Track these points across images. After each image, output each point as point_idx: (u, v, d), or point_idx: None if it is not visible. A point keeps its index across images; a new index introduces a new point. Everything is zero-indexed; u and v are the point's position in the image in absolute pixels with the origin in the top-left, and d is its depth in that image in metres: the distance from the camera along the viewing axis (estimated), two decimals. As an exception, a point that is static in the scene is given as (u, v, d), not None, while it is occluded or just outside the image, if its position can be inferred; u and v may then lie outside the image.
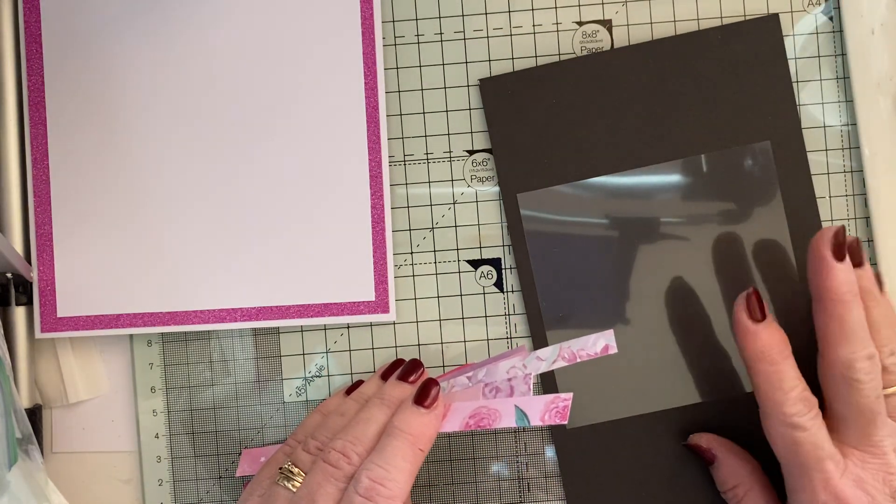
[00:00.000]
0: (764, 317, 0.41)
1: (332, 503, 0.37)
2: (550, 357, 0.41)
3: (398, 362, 0.45)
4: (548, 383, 0.46)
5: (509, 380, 0.42)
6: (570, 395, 0.39)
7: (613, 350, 0.40)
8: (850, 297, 0.39)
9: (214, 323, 0.46)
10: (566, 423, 0.39)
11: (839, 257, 0.40)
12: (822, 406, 0.40)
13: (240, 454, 0.47)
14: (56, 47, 0.46)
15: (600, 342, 0.41)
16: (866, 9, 0.46)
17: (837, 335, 0.39)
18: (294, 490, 0.38)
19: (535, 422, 0.39)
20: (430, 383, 0.40)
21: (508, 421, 0.39)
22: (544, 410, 0.39)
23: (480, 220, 0.47)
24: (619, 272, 0.46)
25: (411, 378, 0.42)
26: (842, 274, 0.40)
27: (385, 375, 0.44)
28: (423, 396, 0.39)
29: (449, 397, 0.42)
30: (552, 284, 0.46)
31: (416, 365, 0.43)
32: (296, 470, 0.39)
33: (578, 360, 0.41)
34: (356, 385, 0.45)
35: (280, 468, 0.40)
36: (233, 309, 0.46)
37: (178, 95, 0.46)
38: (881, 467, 0.39)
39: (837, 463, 0.39)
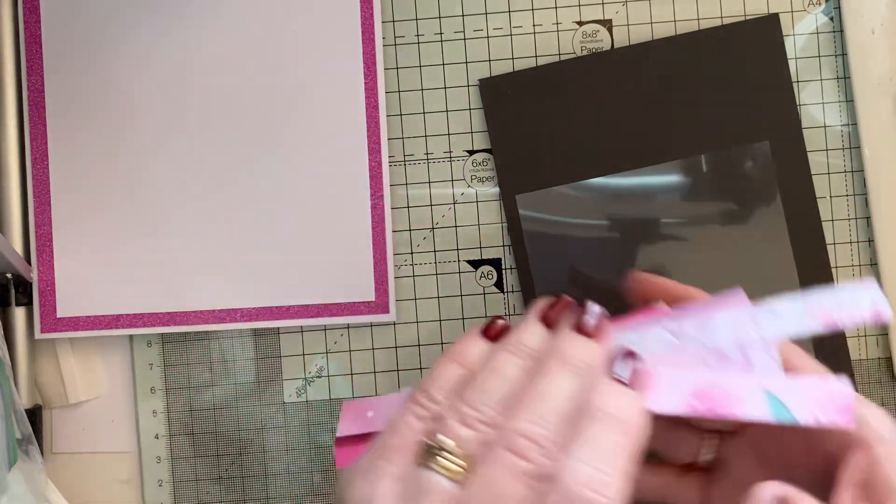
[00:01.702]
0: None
1: None
2: (795, 315, 0.30)
3: (555, 300, 0.32)
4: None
5: (741, 347, 0.30)
6: (849, 386, 0.29)
7: (887, 316, 0.29)
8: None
9: (214, 323, 0.46)
10: (853, 426, 0.29)
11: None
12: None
13: (240, 455, 0.47)
14: (56, 47, 0.46)
15: (864, 299, 0.28)
16: (866, 9, 0.46)
17: None
18: (460, 481, 0.27)
19: (805, 419, 0.28)
20: (629, 350, 0.30)
21: (757, 411, 0.28)
22: (816, 405, 0.28)
23: (480, 220, 0.47)
24: (619, 273, 0.46)
25: (592, 328, 0.31)
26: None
27: (549, 316, 0.32)
28: (629, 370, 0.30)
29: (651, 360, 0.30)
30: (552, 285, 0.46)
31: (591, 309, 0.32)
32: (457, 451, 0.28)
33: (840, 326, 0.29)
34: (492, 323, 0.33)
35: (428, 445, 0.28)
36: (233, 309, 0.46)
37: (177, 96, 0.46)
38: None
39: None
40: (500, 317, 0.32)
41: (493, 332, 0.32)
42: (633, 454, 0.28)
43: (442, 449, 0.28)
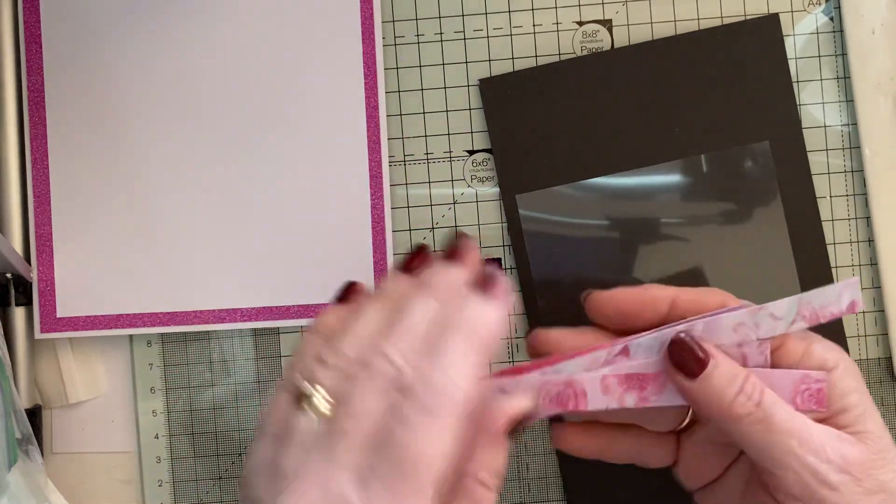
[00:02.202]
0: (703, 364, 0.34)
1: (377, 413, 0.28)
2: (788, 314, 0.34)
3: (416, 251, 0.34)
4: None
5: (739, 345, 0.34)
6: (823, 374, 0.34)
7: (860, 307, 0.34)
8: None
9: (214, 323, 0.46)
10: (825, 409, 0.34)
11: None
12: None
13: (240, 455, 0.47)
14: (56, 47, 0.46)
15: (845, 297, 0.34)
16: (867, 9, 0.46)
17: None
18: (327, 414, 0.29)
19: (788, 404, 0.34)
20: (492, 266, 0.32)
21: None
22: (794, 392, 0.34)
23: (480, 220, 0.47)
24: (618, 273, 0.46)
25: (459, 256, 0.33)
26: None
27: (411, 266, 0.33)
28: (487, 283, 0.31)
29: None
30: (552, 285, 0.46)
31: (462, 239, 0.33)
32: (320, 390, 0.29)
33: (822, 321, 0.34)
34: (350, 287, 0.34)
35: (295, 395, 0.29)
36: (233, 309, 0.46)
37: (177, 95, 0.46)
38: None
39: None
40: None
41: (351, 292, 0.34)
42: (484, 360, 0.30)
43: (309, 391, 0.29)
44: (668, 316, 0.36)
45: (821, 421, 0.35)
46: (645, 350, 0.35)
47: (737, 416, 0.34)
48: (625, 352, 0.35)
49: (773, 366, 0.35)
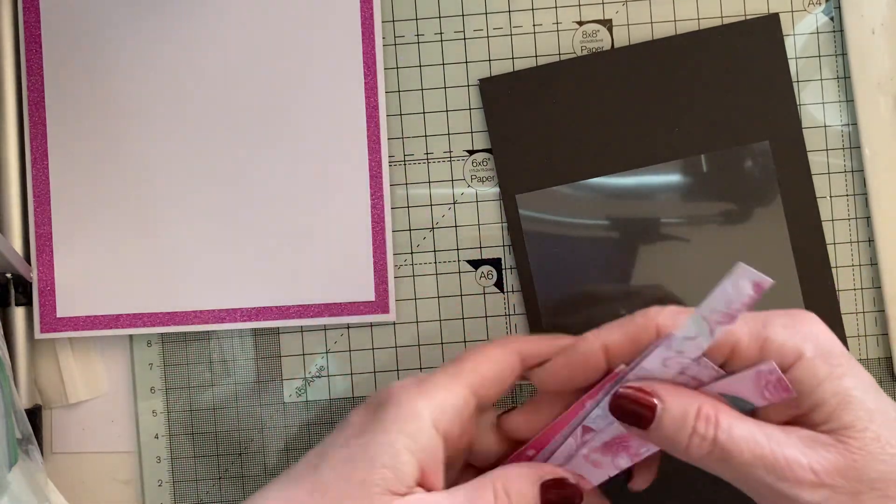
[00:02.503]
0: (651, 413, 0.33)
1: None
2: (701, 329, 0.32)
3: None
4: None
5: (682, 372, 0.34)
6: (770, 363, 0.32)
7: (769, 282, 0.31)
8: None
9: (214, 323, 0.46)
10: (795, 393, 0.32)
11: None
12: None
13: (240, 455, 0.47)
14: (56, 48, 0.46)
15: (744, 284, 0.31)
16: (867, 8, 0.46)
17: None
18: None
19: (760, 402, 0.33)
20: None
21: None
22: (758, 390, 0.32)
23: (480, 220, 0.47)
24: (619, 273, 0.46)
25: None
26: None
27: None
28: None
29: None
30: (552, 285, 0.46)
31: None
32: None
33: (738, 315, 0.32)
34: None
35: None
36: (233, 309, 0.46)
37: (177, 95, 0.46)
38: None
39: None
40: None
41: None
42: None
43: None
44: (610, 365, 0.35)
45: (798, 419, 0.33)
46: (603, 417, 0.35)
47: (696, 458, 0.33)
48: (587, 430, 0.35)
49: (731, 371, 0.33)
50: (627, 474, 0.38)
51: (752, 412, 0.34)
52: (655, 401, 0.33)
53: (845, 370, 0.32)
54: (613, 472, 0.35)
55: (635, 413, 0.33)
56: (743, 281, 0.32)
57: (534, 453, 0.37)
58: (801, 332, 0.33)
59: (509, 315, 0.47)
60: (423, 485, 0.33)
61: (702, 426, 0.32)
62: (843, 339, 0.46)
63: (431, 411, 0.33)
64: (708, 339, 0.32)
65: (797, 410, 0.33)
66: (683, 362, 0.33)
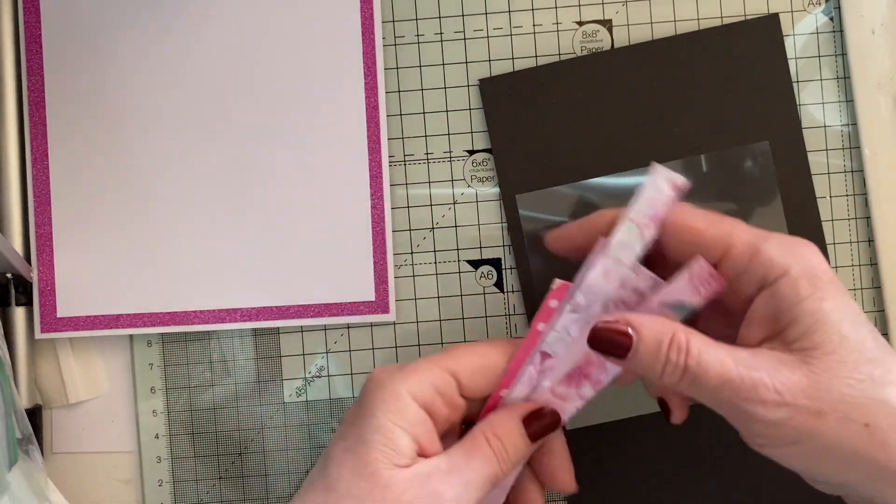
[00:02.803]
0: (628, 346, 0.35)
1: None
2: (632, 235, 0.35)
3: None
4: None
5: (623, 286, 0.36)
6: (701, 259, 0.35)
7: (684, 181, 0.35)
8: None
9: (214, 323, 0.46)
10: (724, 282, 0.35)
11: None
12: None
13: (240, 455, 0.47)
14: (56, 47, 0.46)
15: (662, 183, 0.35)
16: (866, 9, 0.46)
17: None
18: None
19: (696, 302, 0.35)
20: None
21: (672, 318, 0.35)
22: (693, 289, 0.35)
23: (480, 220, 0.47)
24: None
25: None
26: None
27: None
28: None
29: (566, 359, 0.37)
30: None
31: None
32: None
33: (663, 215, 0.35)
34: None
35: None
36: (233, 309, 0.46)
37: (177, 96, 0.46)
38: None
39: None
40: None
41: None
42: None
43: None
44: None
45: (775, 336, 0.34)
46: (560, 341, 0.37)
47: (669, 384, 0.34)
48: (545, 356, 0.37)
49: (728, 274, 0.35)
50: (665, 411, 0.39)
51: (732, 334, 0.36)
52: (631, 331, 0.34)
53: (827, 294, 0.33)
54: (580, 404, 0.37)
55: (613, 345, 0.35)
56: (661, 181, 0.35)
57: (507, 392, 0.38)
58: (794, 252, 0.34)
59: (509, 315, 0.47)
60: (424, 454, 0.36)
61: (674, 354, 0.34)
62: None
63: (409, 388, 0.36)
64: (640, 242, 0.35)
65: (774, 327, 0.34)
66: (623, 273, 0.36)
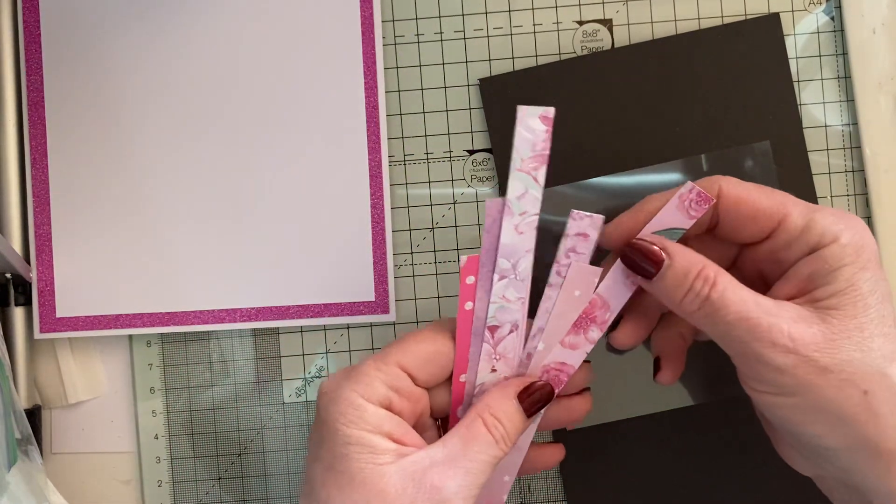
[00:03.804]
0: (659, 265, 0.36)
1: None
2: (528, 184, 0.36)
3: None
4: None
5: (579, 234, 0.37)
6: (689, 182, 0.36)
7: (552, 110, 0.36)
8: None
9: (214, 323, 0.46)
10: (713, 200, 0.36)
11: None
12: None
13: (240, 455, 0.47)
14: (55, 47, 0.46)
15: (534, 123, 0.36)
16: (867, 8, 0.46)
17: None
18: None
19: (689, 222, 0.36)
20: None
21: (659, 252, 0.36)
22: (683, 212, 0.36)
23: (480, 220, 0.47)
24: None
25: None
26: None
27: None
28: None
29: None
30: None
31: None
32: None
33: (545, 158, 0.36)
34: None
35: None
36: (232, 309, 0.46)
37: (177, 96, 0.46)
38: None
39: None
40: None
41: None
42: None
43: None
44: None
45: (807, 292, 0.35)
46: (502, 310, 0.38)
47: (687, 312, 0.35)
48: (493, 329, 0.38)
49: (779, 244, 0.36)
50: (656, 368, 0.41)
51: (768, 289, 0.36)
52: (664, 255, 0.36)
53: (868, 267, 0.34)
54: (590, 348, 0.38)
55: (647, 262, 0.36)
56: (531, 120, 0.36)
57: (465, 376, 0.39)
58: (846, 223, 0.35)
59: (509, 315, 0.46)
60: (406, 446, 0.35)
61: (699, 284, 0.35)
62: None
63: (361, 393, 0.35)
64: (536, 187, 0.36)
65: (808, 286, 0.35)
66: (531, 221, 0.36)
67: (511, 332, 0.38)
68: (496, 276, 0.37)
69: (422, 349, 0.37)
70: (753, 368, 0.35)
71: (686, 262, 0.35)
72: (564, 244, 0.37)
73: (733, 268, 0.40)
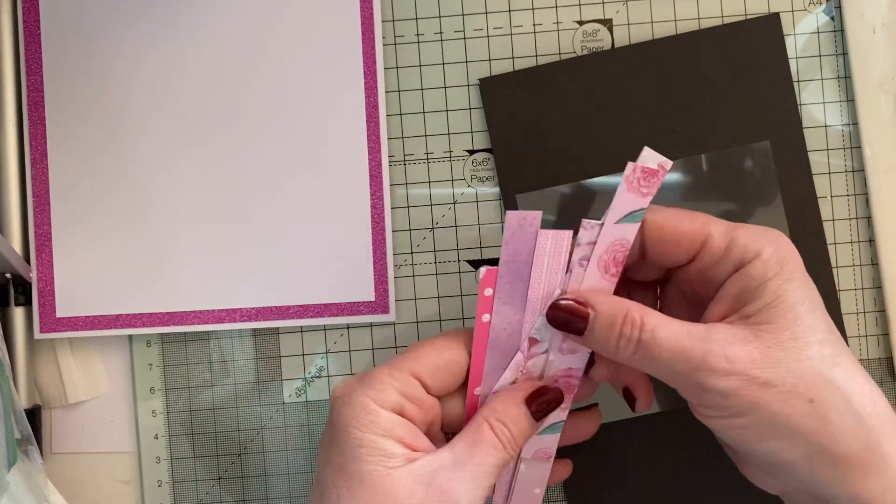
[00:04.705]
0: (585, 321, 0.36)
1: None
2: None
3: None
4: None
5: (589, 243, 0.37)
6: (630, 164, 0.36)
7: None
8: None
9: (214, 323, 0.46)
10: (659, 171, 0.36)
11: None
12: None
13: (240, 455, 0.47)
14: (55, 47, 0.46)
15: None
16: (867, 8, 0.46)
17: None
18: None
19: (644, 201, 0.36)
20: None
21: (630, 229, 0.36)
22: (637, 192, 0.36)
23: (480, 220, 0.47)
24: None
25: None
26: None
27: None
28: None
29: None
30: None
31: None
32: None
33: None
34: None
35: None
36: (232, 309, 0.46)
37: (177, 95, 0.46)
38: None
39: None
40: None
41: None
42: None
43: None
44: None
45: (732, 313, 0.35)
46: (545, 327, 0.37)
47: (624, 358, 0.35)
48: (533, 341, 0.38)
49: (705, 265, 0.36)
50: (629, 400, 0.41)
51: (696, 314, 0.37)
52: (589, 310, 0.36)
53: (793, 278, 0.35)
54: (590, 350, 0.38)
55: (572, 321, 0.36)
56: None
57: (480, 389, 0.38)
58: (767, 238, 0.36)
59: (509, 315, 0.46)
60: (416, 451, 0.36)
61: (627, 329, 0.35)
62: (844, 338, 0.46)
63: (374, 398, 0.36)
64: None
65: (738, 304, 0.35)
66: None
67: (545, 352, 0.38)
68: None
69: (435, 358, 0.37)
70: (700, 397, 0.35)
71: (610, 309, 0.35)
72: (576, 253, 0.37)
73: (669, 287, 0.40)
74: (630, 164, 0.36)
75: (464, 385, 0.39)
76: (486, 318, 0.37)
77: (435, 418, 0.38)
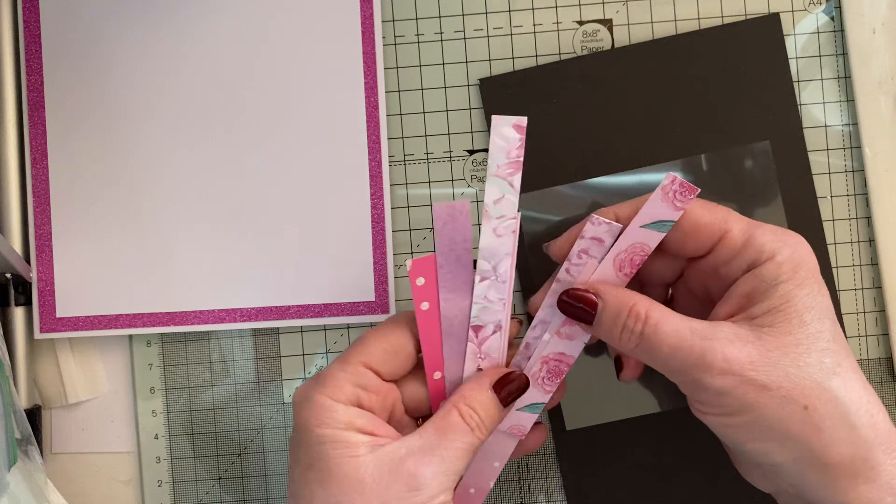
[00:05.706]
0: (593, 311, 0.37)
1: None
2: (504, 189, 0.36)
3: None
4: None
5: (594, 238, 0.37)
6: (671, 174, 0.36)
7: (524, 120, 0.36)
8: None
9: (214, 323, 0.46)
10: (698, 190, 0.36)
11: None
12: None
13: (240, 455, 0.47)
14: (55, 47, 0.46)
15: (508, 131, 0.36)
16: (867, 8, 0.46)
17: None
18: None
19: (675, 213, 0.36)
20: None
21: (654, 237, 0.36)
22: (670, 203, 0.36)
23: (481, 220, 0.47)
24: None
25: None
26: None
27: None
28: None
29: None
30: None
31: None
32: None
33: (519, 164, 0.36)
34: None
35: None
36: (232, 309, 0.46)
37: (177, 95, 0.46)
38: None
39: None
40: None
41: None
42: None
43: None
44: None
45: (739, 312, 0.35)
46: (484, 311, 0.38)
47: (627, 350, 0.36)
48: (476, 328, 0.38)
49: (720, 259, 0.37)
50: (617, 367, 0.42)
51: (706, 311, 0.37)
52: (597, 299, 0.37)
53: (805, 283, 0.35)
54: (587, 338, 0.38)
55: (581, 310, 0.37)
56: (505, 129, 0.36)
57: (440, 375, 0.39)
58: (784, 241, 0.36)
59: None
60: (381, 438, 0.36)
61: (631, 322, 0.36)
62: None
63: (330, 395, 0.36)
64: (512, 192, 0.36)
65: (746, 304, 0.35)
66: (510, 225, 0.36)
67: (494, 332, 0.38)
68: (478, 278, 0.37)
69: (382, 344, 0.38)
70: (697, 393, 0.35)
71: (617, 301, 0.36)
72: (578, 245, 0.38)
73: (682, 282, 0.40)
74: (670, 174, 0.36)
75: (418, 367, 0.39)
76: (424, 306, 0.38)
77: (395, 402, 0.39)
